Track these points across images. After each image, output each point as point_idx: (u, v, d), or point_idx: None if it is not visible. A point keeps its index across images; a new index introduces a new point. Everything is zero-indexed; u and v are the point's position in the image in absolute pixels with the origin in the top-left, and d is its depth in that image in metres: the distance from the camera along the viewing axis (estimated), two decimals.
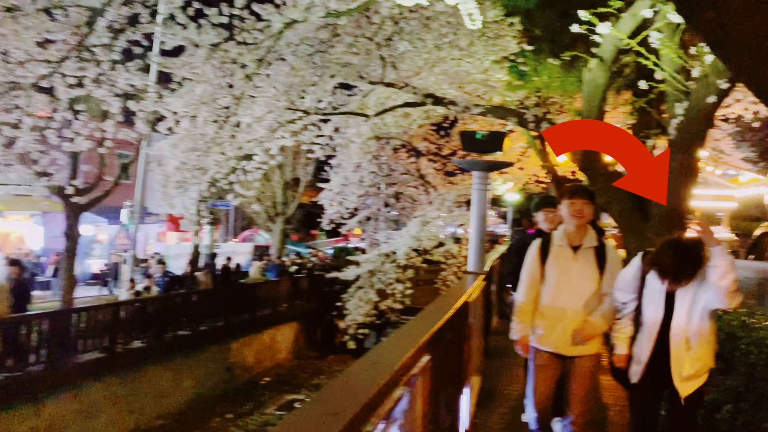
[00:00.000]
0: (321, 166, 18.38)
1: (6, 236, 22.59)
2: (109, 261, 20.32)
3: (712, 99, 5.12)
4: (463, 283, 4.23)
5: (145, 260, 21.12)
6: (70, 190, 10.92)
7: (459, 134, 7.26)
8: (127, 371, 12.28)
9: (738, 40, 1.72)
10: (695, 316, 3.00)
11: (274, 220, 22.32)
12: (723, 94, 5.16)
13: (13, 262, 10.12)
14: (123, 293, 12.78)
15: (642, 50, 5.37)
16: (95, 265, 21.00)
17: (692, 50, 5.47)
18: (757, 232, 7.93)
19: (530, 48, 9.83)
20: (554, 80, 12.82)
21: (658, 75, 5.81)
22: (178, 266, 18.67)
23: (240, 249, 22.05)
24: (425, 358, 2.10)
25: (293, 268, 20.96)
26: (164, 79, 8.47)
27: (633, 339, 3.23)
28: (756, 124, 11.10)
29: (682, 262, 2.99)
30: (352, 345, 19.47)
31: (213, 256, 16.89)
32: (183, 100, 7.74)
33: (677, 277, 3.00)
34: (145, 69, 7.76)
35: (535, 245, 3.55)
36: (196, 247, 16.80)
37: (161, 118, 7.94)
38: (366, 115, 10.16)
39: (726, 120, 11.67)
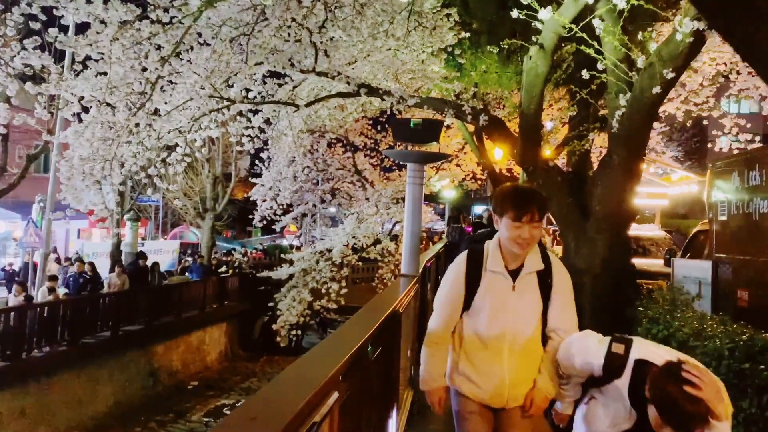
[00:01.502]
0: (255, 160, 17.65)
1: None
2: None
3: (657, 89, 4.84)
4: (395, 288, 3.76)
5: (69, 259, 19.80)
6: None
7: (390, 122, 6.77)
8: (36, 380, 11.28)
9: None
10: None
11: (203, 216, 21.34)
12: (669, 85, 4.90)
13: None
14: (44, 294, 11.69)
15: (585, 36, 5.05)
16: (9, 264, 19.52)
17: (638, 37, 5.20)
18: (696, 229, 7.82)
19: (467, 38, 9.49)
20: (491, 74, 12.62)
21: (600, 65, 5.53)
22: (104, 265, 17.53)
23: (165, 247, 20.97)
24: (333, 397, 1.61)
25: (222, 268, 20.10)
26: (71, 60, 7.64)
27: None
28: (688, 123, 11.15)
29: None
30: (285, 343, 18.89)
31: (138, 255, 15.89)
32: (89, 83, 6.95)
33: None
34: (45, 48, 6.91)
35: (461, 263, 2.64)
36: (117, 245, 15.75)
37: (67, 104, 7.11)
38: (296, 105, 9.57)
39: (658, 119, 11.72)
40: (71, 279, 12.79)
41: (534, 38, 6.04)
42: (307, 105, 9.80)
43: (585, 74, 5.60)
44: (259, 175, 16.67)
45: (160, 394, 15.42)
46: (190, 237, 30.05)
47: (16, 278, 13.05)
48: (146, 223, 32.53)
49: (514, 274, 2.59)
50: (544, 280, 2.60)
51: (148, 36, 6.95)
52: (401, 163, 18.88)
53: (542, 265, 2.60)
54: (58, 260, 20.40)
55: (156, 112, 8.56)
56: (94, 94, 7.07)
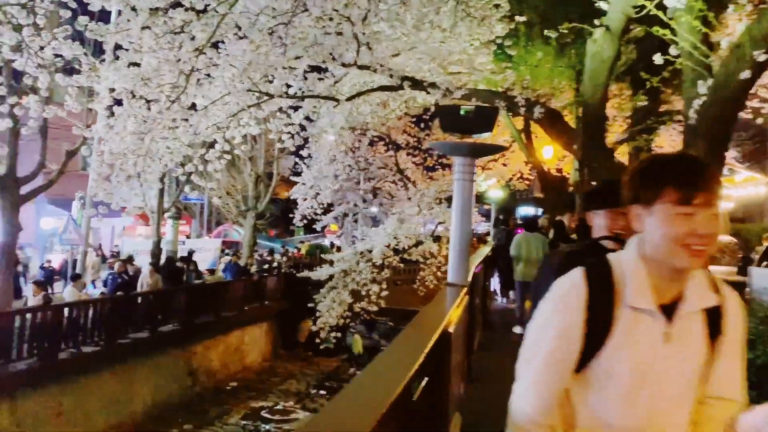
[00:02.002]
0: (297, 159, 17.36)
1: None
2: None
3: (746, 74, 4.20)
4: (441, 300, 3.24)
5: (114, 255, 19.87)
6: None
7: (437, 111, 6.22)
8: (72, 379, 11.14)
9: None
10: None
11: (245, 215, 21.19)
12: (760, 69, 4.25)
13: None
14: (70, 293, 11.57)
15: (661, 14, 4.44)
16: (55, 260, 19.70)
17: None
18: None
19: (518, 29, 8.92)
20: (542, 68, 11.95)
21: (673, 50, 4.89)
22: (145, 264, 17.48)
23: (207, 245, 20.88)
24: None
25: (254, 268, 19.87)
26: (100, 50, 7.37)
27: None
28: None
29: None
30: (330, 344, 18.53)
31: (176, 257, 15.78)
32: (120, 73, 6.64)
33: None
34: (75, 37, 6.63)
35: (574, 292, 1.52)
36: (158, 243, 15.64)
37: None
38: (337, 100, 9.14)
39: (743, 109, 10.85)
40: (110, 278, 12.66)
41: (597, 21, 5.46)
42: (348, 99, 9.36)
43: (658, 59, 4.96)
44: (300, 174, 16.40)
45: (198, 394, 15.22)
46: (234, 235, 30.07)
47: (55, 276, 12.99)
48: (191, 221, 32.75)
49: (668, 311, 1.50)
50: (714, 322, 1.54)
51: (181, 24, 6.61)
52: (448, 156, 18.30)
53: (714, 297, 1.54)
54: (103, 258, 20.54)
55: (193, 107, 8.25)
56: (125, 86, 6.76)
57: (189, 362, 15.27)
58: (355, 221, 24.94)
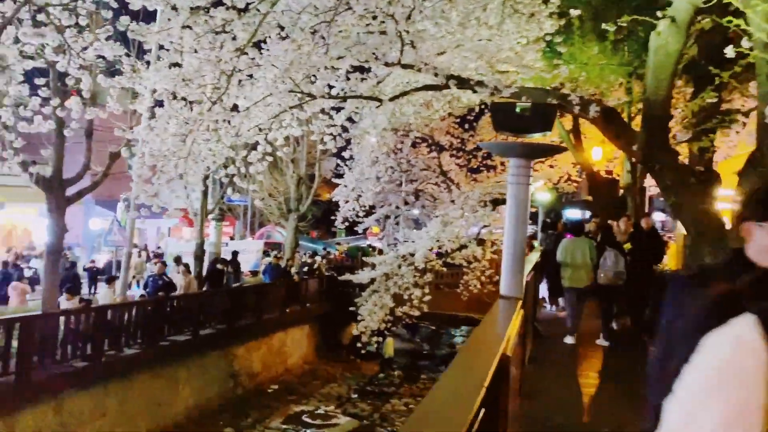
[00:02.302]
0: (339, 161, 17.22)
1: (10, 230, 21.74)
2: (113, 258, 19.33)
3: None
4: (494, 318, 2.94)
5: (158, 256, 20.11)
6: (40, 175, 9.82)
7: (490, 108, 5.89)
8: (116, 380, 11.19)
9: None
10: None
11: (287, 217, 21.19)
12: None
13: None
14: (104, 295, 11.64)
15: (735, 2, 4.04)
16: (101, 261, 20.04)
17: None
18: None
19: (573, 24, 8.51)
20: (593, 66, 11.47)
21: (746, 42, 4.48)
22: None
23: (249, 247, 20.96)
24: None
25: (294, 269, 19.79)
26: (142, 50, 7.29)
27: None
28: None
29: None
30: (372, 349, 18.30)
31: (217, 255, 15.83)
32: (161, 74, 6.53)
33: None
34: (117, 38, 6.55)
35: (746, 358, 1.16)
36: (201, 244, 15.69)
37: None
38: (380, 100, 8.90)
39: None
40: (150, 280, 12.72)
41: (660, 13, 5.07)
42: (391, 99, 9.10)
43: (730, 52, 4.55)
44: (342, 176, 16.25)
45: (240, 396, 15.20)
46: (277, 237, 30.19)
47: (98, 276, 13.07)
48: (234, 223, 33.05)
49: None
50: None
51: (222, 24, 6.47)
52: (493, 158, 17.89)
53: None
54: (147, 258, 20.80)
55: (235, 108, 8.14)
56: (166, 87, 6.66)
57: (231, 364, 15.27)
58: (397, 223, 24.70)
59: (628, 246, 9.07)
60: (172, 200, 11.09)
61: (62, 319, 9.90)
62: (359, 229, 18.93)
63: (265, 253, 21.78)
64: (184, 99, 7.26)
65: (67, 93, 7.51)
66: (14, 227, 21.81)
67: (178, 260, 15.73)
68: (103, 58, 6.48)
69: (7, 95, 6.05)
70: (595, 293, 8.73)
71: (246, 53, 7.06)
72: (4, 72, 5.65)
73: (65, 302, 10.20)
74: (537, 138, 4.33)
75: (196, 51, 6.83)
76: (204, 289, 14.52)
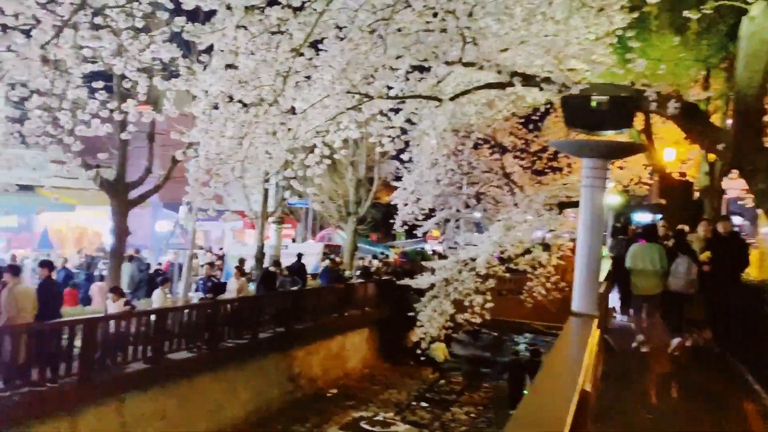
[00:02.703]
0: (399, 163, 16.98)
1: (82, 231, 22.50)
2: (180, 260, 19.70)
3: None
4: (569, 340, 2.57)
5: (221, 258, 20.38)
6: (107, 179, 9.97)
7: (562, 102, 5.47)
8: (176, 383, 11.27)
9: None
10: None
11: (346, 219, 21.11)
12: None
13: (43, 264, 9.27)
14: (158, 298, 11.72)
15: None
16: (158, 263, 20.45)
17: None
18: None
19: (647, 14, 7.98)
20: (668, 62, 10.79)
21: None
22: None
23: (310, 249, 20.97)
24: None
25: (348, 273, 19.65)
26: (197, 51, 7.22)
27: None
28: None
29: None
30: (441, 359, 17.94)
31: (277, 258, 15.87)
32: (216, 75, 6.42)
33: None
34: (179, 42, 6.49)
35: None
36: (261, 248, 15.74)
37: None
38: (439, 100, 8.57)
39: None
40: (200, 282, 12.78)
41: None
42: (451, 99, 8.75)
43: None
44: (401, 179, 15.98)
45: (299, 400, 15.13)
46: (337, 239, 30.24)
47: (159, 278, 13.19)
48: (296, 225, 33.33)
49: None
50: None
51: (277, 23, 6.31)
52: (559, 159, 17.23)
53: None
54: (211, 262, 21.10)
55: (292, 110, 8.00)
56: (222, 89, 6.55)
57: (290, 367, 15.24)
58: (457, 227, 24.24)
59: (707, 255, 8.42)
60: (229, 203, 11.17)
61: (123, 321, 10.01)
62: (418, 232, 18.62)
63: (326, 256, 21.78)
64: (240, 101, 7.16)
65: (126, 97, 7.53)
66: (85, 229, 22.54)
67: (241, 262, 15.85)
68: (160, 60, 6.44)
69: (65, 98, 6.08)
70: (664, 301, 8.39)
71: (302, 54, 6.89)
72: (61, 76, 5.65)
73: (112, 304, 10.30)
74: (613, 135, 3.90)
75: (253, 53, 6.73)
76: (256, 291, 14.52)
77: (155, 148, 12.16)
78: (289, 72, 6.88)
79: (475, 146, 16.11)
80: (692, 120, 5.36)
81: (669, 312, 8.41)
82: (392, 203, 16.63)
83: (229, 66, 6.76)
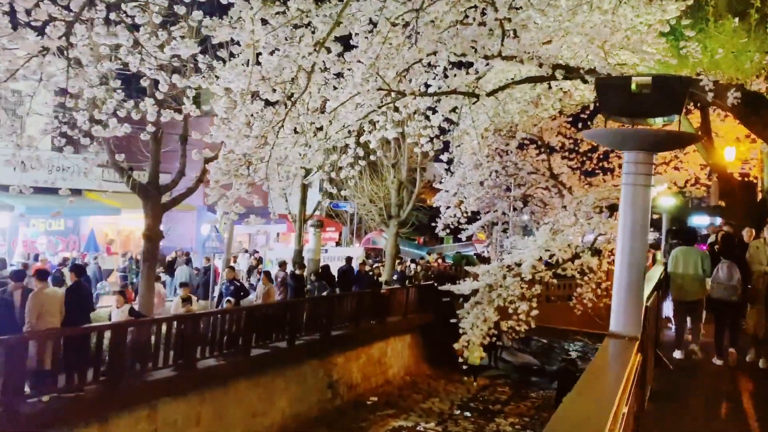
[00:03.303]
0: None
1: (128, 235, 22.82)
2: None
3: None
4: (597, 374, 2.09)
5: (259, 261, 20.27)
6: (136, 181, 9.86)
7: (596, 86, 4.89)
8: (211, 388, 11.09)
9: None
10: None
11: (387, 223, 20.71)
12: None
13: (74, 268, 9.20)
14: (177, 303, 11.55)
15: None
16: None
17: None
18: None
19: (699, 6, 7.33)
20: (726, 55, 10.01)
21: None
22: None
23: (350, 253, 20.65)
24: None
25: (384, 276, 19.20)
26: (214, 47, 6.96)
27: None
28: None
29: None
30: (477, 361, 17.33)
31: (317, 262, 15.60)
32: (235, 71, 6.13)
33: None
34: (191, 35, 6.24)
35: None
36: (299, 251, 15.51)
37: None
38: (476, 96, 8.10)
39: None
40: (224, 287, 12.57)
41: None
42: (489, 94, 8.28)
43: None
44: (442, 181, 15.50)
45: (338, 408, 14.81)
46: (381, 243, 29.92)
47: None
48: (341, 228, 33.19)
49: None
50: None
51: (298, 15, 5.96)
52: (610, 159, 16.36)
53: None
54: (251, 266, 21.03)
55: (322, 109, 7.67)
56: (242, 86, 6.26)
57: (329, 373, 14.92)
58: (505, 231, 23.52)
59: None
60: (277, 206, 10.88)
61: (153, 326, 9.87)
62: (462, 236, 18.05)
63: (368, 259, 21.44)
64: (265, 100, 6.86)
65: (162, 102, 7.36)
66: (131, 233, 22.83)
67: (282, 266, 15.66)
68: (178, 57, 6.20)
69: (82, 98, 5.89)
70: (707, 308, 8.12)
71: (328, 49, 6.54)
72: (77, 76, 5.46)
73: (115, 309, 10.15)
74: (659, 124, 3.36)
75: (276, 50, 6.42)
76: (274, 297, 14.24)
77: (188, 150, 12.02)
78: (312, 67, 6.53)
79: (521, 146, 15.48)
80: (755, 111, 4.74)
81: (719, 322, 8.01)
82: (434, 206, 16.16)
83: (247, 62, 6.47)
